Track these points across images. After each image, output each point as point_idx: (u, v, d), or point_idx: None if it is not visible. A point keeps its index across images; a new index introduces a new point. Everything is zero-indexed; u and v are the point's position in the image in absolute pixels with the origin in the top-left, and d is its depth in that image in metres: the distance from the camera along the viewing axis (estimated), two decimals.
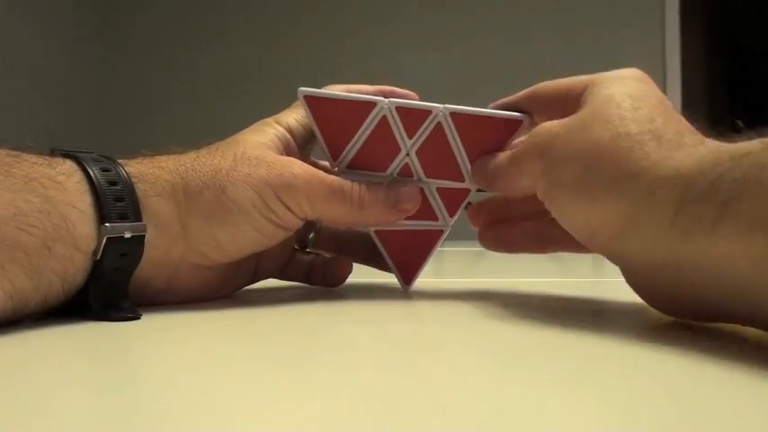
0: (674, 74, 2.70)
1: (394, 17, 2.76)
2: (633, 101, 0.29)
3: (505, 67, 2.53)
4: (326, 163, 0.38)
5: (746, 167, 0.22)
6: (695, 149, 0.25)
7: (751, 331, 0.25)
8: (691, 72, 2.84)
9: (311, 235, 0.41)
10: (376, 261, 0.41)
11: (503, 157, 0.35)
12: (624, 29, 2.62)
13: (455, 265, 0.79)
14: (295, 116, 0.38)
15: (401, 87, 0.39)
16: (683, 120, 0.29)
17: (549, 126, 0.31)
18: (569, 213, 0.30)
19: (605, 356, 0.23)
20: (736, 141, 0.25)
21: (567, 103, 0.32)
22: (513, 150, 0.34)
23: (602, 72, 0.32)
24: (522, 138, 0.35)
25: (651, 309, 0.29)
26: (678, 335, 0.26)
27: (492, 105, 0.37)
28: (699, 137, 0.27)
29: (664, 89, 2.93)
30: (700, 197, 0.23)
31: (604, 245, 0.29)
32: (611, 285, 0.30)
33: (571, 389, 0.19)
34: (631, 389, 0.19)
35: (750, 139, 0.24)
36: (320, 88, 0.37)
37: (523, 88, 0.36)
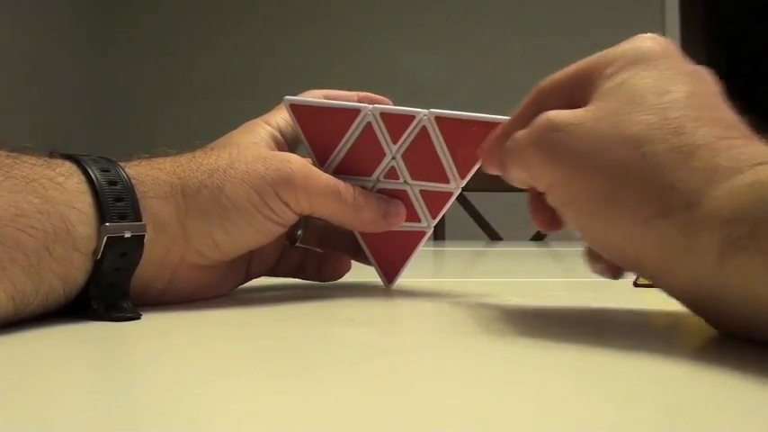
0: None
1: (395, 18, 2.76)
2: (657, 96, 0.26)
3: (506, 66, 2.53)
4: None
5: None
6: (731, 182, 0.23)
7: None
8: None
9: (299, 231, 0.41)
10: (363, 256, 0.41)
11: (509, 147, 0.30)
12: (624, 29, 2.60)
13: (455, 265, 0.79)
14: (282, 116, 0.39)
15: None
16: (717, 112, 0.26)
17: (557, 120, 0.27)
18: (590, 233, 0.28)
19: (604, 363, 0.23)
20: None
21: (576, 93, 0.29)
22: (511, 144, 0.30)
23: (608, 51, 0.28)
24: (523, 131, 0.30)
25: (651, 312, 0.29)
26: (675, 336, 0.26)
27: (505, 123, 0.33)
28: (734, 147, 0.24)
29: None
30: (743, 246, 0.21)
31: (634, 270, 0.27)
32: (612, 285, 0.30)
33: (568, 396, 0.19)
34: (633, 395, 0.19)
35: None
36: (299, 95, 0.38)
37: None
